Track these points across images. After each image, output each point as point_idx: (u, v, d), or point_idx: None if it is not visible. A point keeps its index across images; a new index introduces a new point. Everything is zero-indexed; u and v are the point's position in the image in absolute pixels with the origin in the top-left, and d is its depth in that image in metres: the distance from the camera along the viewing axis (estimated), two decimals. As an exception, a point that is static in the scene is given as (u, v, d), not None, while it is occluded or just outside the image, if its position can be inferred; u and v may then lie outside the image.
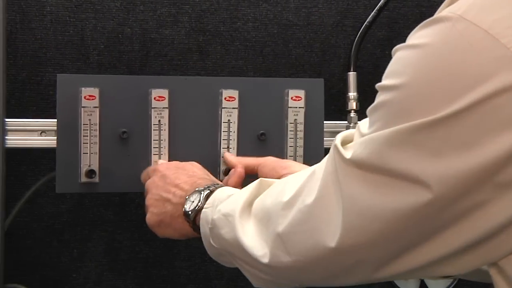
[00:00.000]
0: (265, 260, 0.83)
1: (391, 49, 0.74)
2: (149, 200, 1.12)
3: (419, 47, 0.69)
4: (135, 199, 1.52)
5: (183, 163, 1.18)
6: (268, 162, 1.21)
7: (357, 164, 0.73)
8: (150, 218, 1.10)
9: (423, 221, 0.69)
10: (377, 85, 0.73)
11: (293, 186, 0.83)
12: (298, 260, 0.79)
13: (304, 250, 0.78)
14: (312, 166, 0.83)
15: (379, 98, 0.72)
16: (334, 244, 0.74)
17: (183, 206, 1.04)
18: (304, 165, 1.20)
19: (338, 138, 0.78)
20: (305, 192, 0.79)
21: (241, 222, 0.89)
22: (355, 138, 0.77)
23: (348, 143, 0.77)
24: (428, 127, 0.67)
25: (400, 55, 0.71)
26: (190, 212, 1.02)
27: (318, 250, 0.76)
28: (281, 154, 1.29)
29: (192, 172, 1.13)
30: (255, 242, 0.86)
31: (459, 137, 0.66)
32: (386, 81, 0.72)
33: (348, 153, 0.74)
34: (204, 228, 0.98)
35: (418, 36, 0.70)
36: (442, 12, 0.69)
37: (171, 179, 1.10)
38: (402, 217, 0.70)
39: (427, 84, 0.67)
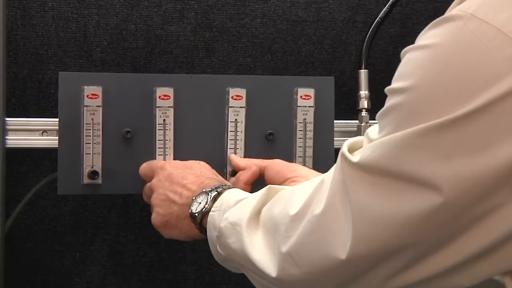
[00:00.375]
0: (274, 274, 0.83)
1: (404, 46, 0.74)
2: (155, 199, 1.12)
3: (429, 48, 0.69)
4: (139, 201, 1.52)
5: (191, 162, 1.18)
6: (275, 164, 1.21)
7: (365, 167, 0.73)
8: (155, 218, 1.11)
9: (436, 227, 0.69)
10: (387, 89, 0.73)
11: (301, 197, 0.82)
12: (307, 272, 0.79)
13: (313, 262, 0.78)
14: (321, 175, 0.82)
15: (389, 102, 0.72)
16: (344, 255, 0.74)
17: (190, 208, 1.04)
18: (311, 170, 1.19)
19: (345, 145, 0.78)
20: (314, 203, 0.79)
21: (248, 232, 0.89)
22: (364, 144, 0.76)
23: (356, 150, 0.77)
24: (440, 129, 0.67)
25: (410, 57, 0.71)
26: (196, 214, 1.02)
27: (328, 261, 0.76)
28: (290, 155, 1.29)
29: (199, 171, 1.13)
30: (263, 255, 0.86)
31: (473, 138, 0.66)
32: (395, 84, 0.72)
33: (355, 158, 0.74)
34: (211, 233, 0.98)
35: (428, 36, 0.70)
36: (452, 10, 0.69)
37: (178, 179, 1.10)
38: (415, 223, 0.69)
39: (438, 85, 0.67)
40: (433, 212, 0.68)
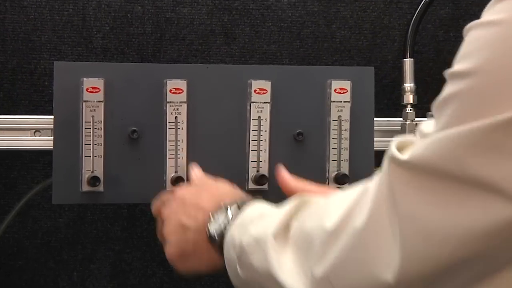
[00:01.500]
0: None
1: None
2: (167, 229, 1.10)
3: (495, 24, 0.68)
4: (147, 211, 1.52)
5: (204, 179, 1.18)
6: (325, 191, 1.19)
7: (417, 168, 0.71)
8: (169, 250, 1.09)
9: (505, 242, 0.68)
10: (447, 72, 0.72)
11: (340, 207, 0.80)
12: None
13: (354, 285, 0.77)
14: (364, 183, 0.81)
15: (449, 88, 0.70)
16: (392, 278, 0.72)
17: (207, 229, 1.03)
18: None
19: (393, 144, 0.76)
20: (355, 214, 0.77)
21: (275, 249, 0.88)
22: (416, 140, 0.75)
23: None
24: None
25: (474, 35, 0.70)
26: (215, 235, 1.01)
27: (373, 285, 0.75)
28: (322, 158, 1.29)
29: (215, 189, 1.12)
30: (293, 277, 0.85)
31: None
32: (457, 66, 0.70)
33: (405, 155, 0.73)
34: (229, 254, 0.96)
35: (495, 11, 0.69)
36: None
37: (191, 201, 1.09)
38: (479, 237, 0.68)
39: (508, 69, 0.66)
40: (503, 225, 0.67)
